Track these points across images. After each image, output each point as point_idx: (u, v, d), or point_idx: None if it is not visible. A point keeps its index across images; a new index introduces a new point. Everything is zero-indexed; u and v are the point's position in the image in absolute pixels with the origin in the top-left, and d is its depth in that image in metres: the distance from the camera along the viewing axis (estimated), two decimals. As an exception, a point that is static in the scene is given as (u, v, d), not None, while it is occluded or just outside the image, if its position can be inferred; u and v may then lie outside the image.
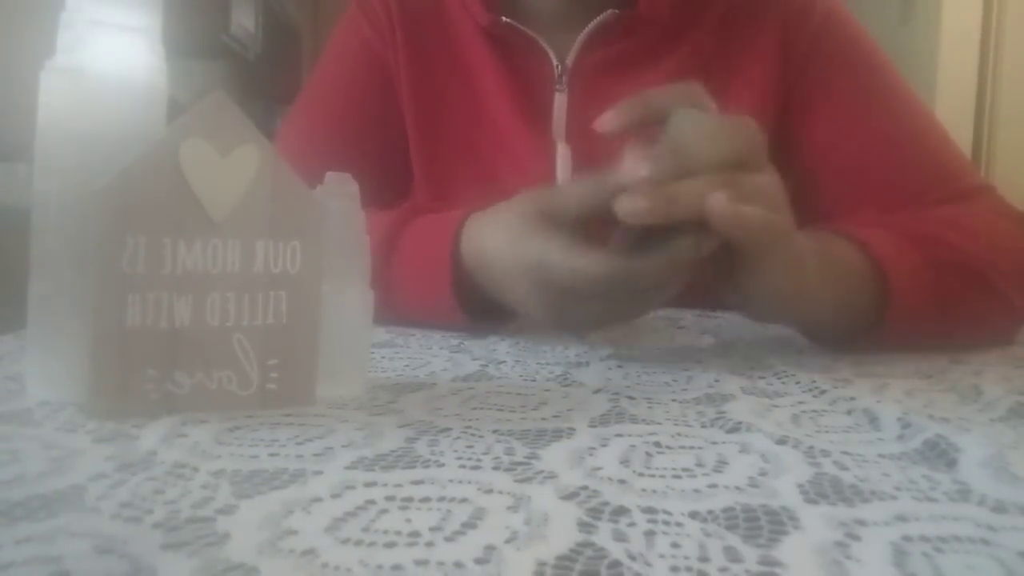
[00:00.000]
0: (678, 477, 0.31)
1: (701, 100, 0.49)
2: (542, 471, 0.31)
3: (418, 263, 0.62)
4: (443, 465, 0.31)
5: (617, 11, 0.75)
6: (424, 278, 0.61)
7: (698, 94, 0.50)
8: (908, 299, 0.56)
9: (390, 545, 0.24)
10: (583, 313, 0.52)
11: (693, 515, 0.27)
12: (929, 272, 0.57)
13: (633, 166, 0.47)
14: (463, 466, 0.31)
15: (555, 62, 0.77)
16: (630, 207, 0.46)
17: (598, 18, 0.75)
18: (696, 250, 0.47)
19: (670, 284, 0.51)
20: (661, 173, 0.46)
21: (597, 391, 0.45)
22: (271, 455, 0.32)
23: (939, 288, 0.57)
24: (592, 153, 0.76)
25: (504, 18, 0.76)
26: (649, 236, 0.47)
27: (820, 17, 0.76)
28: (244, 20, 2.97)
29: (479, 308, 0.60)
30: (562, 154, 0.76)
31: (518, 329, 0.63)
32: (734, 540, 0.25)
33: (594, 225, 0.51)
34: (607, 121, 0.49)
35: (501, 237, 0.54)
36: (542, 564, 0.23)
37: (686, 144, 0.47)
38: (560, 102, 0.77)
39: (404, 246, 0.63)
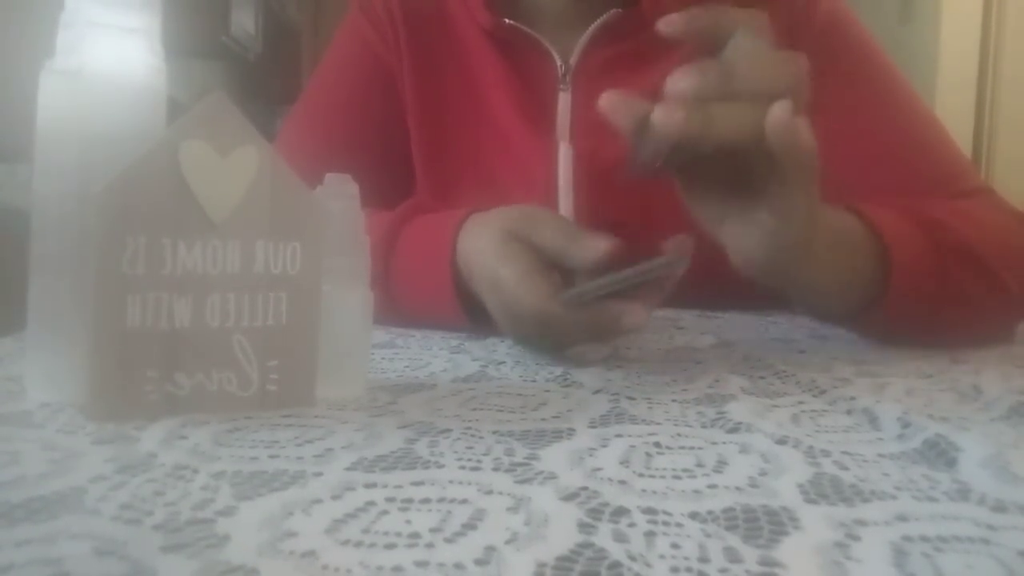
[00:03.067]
0: (678, 478, 0.31)
1: (764, 30, 0.48)
2: (542, 472, 0.31)
3: (419, 261, 0.62)
4: (443, 466, 0.31)
5: (620, 10, 0.75)
6: (425, 277, 0.61)
7: (763, 24, 0.48)
8: (909, 276, 0.56)
9: (390, 546, 0.24)
10: (537, 339, 0.54)
11: (693, 516, 0.27)
12: (931, 252, 0.57)
13: (680, 75, 0.44)
14: (463, 467, 0.31)
15: (559, 62, 0.77)
16: (665, 117, 0.43)
17: (601, 18, 0.75)
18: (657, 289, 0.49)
19: (608, 335, 0.52)
20: (708, 86, 0.44)
21: (597, 391, 0.45)
22: (271, 456, 0.32)
23: (940, 269, 0.57)
24: (595, 153, 0.76)
25: (507, 20, 0.76)
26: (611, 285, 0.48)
27: (823, 18, 0.76)
28: (244, 20, 2.97)
29: (479, 310, 0.60)
30: (564, 154, 0.76)
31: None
32: (734, 540, 0.25)
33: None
34: (672, 21, 0.47)
35: (481, 247, 0.55)
36: (542, 565, 0.23)
37: (741, 65, 0.45)
38: (564, 102, 0.77)
39: (405, 244, 0.64)
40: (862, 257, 0.56)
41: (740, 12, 0.48)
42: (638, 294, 0.49)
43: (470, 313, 0.60)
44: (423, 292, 0.62)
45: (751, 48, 0.46)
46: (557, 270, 0.52)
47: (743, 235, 0.50)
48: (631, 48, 0.76)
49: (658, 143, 0.45)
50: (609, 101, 0.47)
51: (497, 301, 0.54)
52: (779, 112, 0.44)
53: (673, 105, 0.44)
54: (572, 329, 0.51)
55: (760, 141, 0.44)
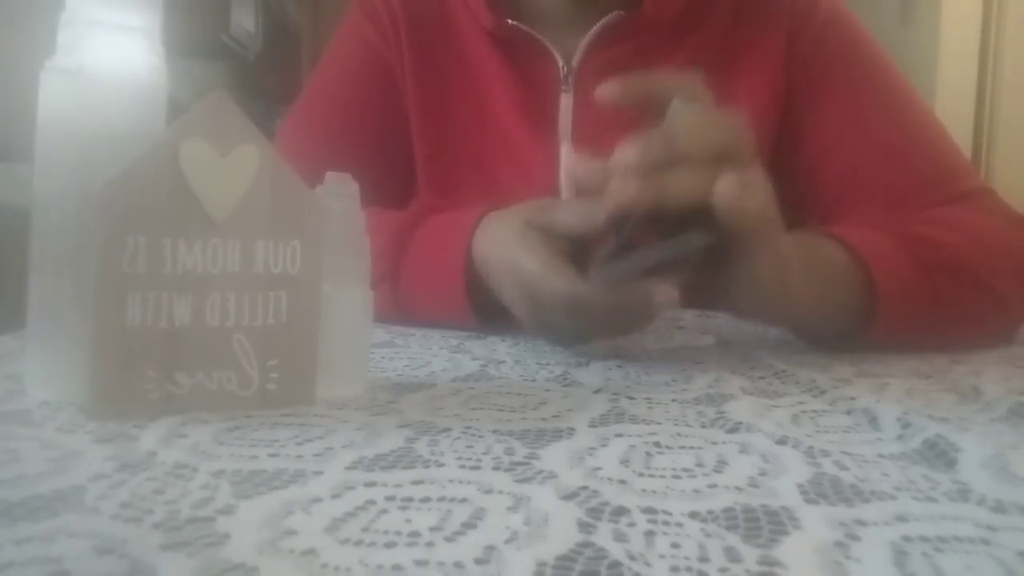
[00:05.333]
0: (678, 477, 0.31)
1: (700, 91, 0.49)
2: (542, 471, 0.31)
3: (432, 261, 0.62)
4: (443, 465, 0.31)
5: (623, 12, 0.75)
6: (437, 276, 0.61)
7: (698, 85, 0.49)
8: (896, 301, 0.56)
9: (390, 545, 0.24)
10: (562, 327, 0.53)
11: (693, 515, 0.27)
12: (919, 274, 0.57)
13: (625, 150, 0.46)
14: (463, 466, 0.31)
15: (561, 63, 0.77)
16: (619, 191, 0.45)
17: (604, 19, 0.75)
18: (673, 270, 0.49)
19: (640, 315, 0.52)
20: (652, 157, 0.46)
21: (597, 391, 0.45)
22: (271, 455, 0.32)
23: (929, 289, 0.57)
24: (596, 154, 0.76)
25: (509, 20, 0.76)
26: (630, 256, 0.48)
27: (823, 18, 0.76)
28: (244, 20, 2.97)
29: (489, 310, 0.60)
30: (566, 155, 0.76)
31: (520, 330, 0.63)
32: (734, 540, 0.25)
33: (595, 241, 0.52)
34: (608, 88, 0.49)
35: (499, 242, 0.55)
36: (542, 564, 0.23)
37: (680, 133, 0.47)
38: (566, 103, 0.77)
39: (418, 244, 0.64)
40: (847, 286, 0.56)
41: (674, 77, 0.50)
42: (664, 276, 0.50)
43: (479, 313, 0.60)
44: (433, 291, 0.62)
45: (689, 113, 0.48)
46: (576, 259, 0.52)
47: (717, 285, 0.52)
48: (633, 50, 0.76)
49: (623, 217, 0.47)
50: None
51: (520, 292, 0.53)
52: (724, 186, 0.45)
53: (624, 178, 0.46)
54: (602, 312, 0.50)
55: (710, 205, 0.45)
